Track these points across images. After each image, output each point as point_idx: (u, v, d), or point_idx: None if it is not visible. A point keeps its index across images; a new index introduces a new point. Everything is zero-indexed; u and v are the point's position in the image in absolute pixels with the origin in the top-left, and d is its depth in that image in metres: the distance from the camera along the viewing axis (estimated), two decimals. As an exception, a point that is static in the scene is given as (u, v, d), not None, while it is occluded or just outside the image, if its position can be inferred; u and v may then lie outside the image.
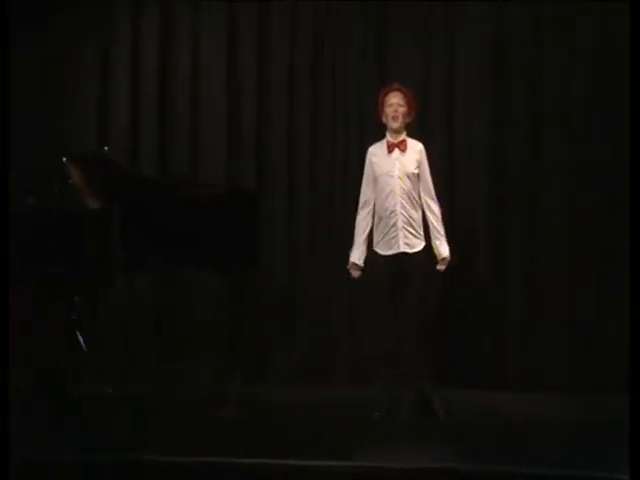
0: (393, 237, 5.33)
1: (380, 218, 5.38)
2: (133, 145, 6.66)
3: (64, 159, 5.59)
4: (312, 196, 6.59)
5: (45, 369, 5.63)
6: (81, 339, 5.63)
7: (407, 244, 5.33)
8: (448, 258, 5.39)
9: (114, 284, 5.57)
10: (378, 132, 5.56)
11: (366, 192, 5.45)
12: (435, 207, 5.40)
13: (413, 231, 5.34)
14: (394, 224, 5.32)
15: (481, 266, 6.39)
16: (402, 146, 5.38)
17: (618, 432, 4.09)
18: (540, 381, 6.26)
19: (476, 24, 6.47)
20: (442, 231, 5.39)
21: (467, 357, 6.29)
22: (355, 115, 6.56)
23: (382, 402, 5.31)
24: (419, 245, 5.36)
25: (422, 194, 5.39)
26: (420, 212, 5.39)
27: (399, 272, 5.30)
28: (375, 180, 5.40)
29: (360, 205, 5.46)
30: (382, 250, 5.38)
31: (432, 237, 5.38)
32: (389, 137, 5.43)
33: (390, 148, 5.39)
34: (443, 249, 5.38)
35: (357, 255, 5.43)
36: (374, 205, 5.41)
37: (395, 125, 5.38)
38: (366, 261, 5.43)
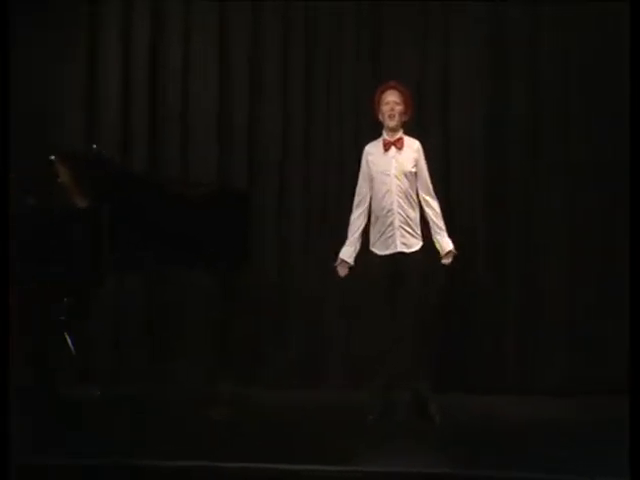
0: (390, 236, 5.27)
1: (377, 217, 5.33)
2: (123, 143, 6.58)
3: (52, 157, 5.50)
4: (305, 194, 6.53)
5: (34, 370, 5.52)
6: (69, 340, 5.52)
7: (404, 244, 5.28)
8: (453, 251, 5.34)
9: (104, 284, 5.44)
10: (375, 131, 5.51)
11: (362, 190, 5.40)
12: (434, 203, 5.36)
13: (410, 230, 5.29)
14: (391, 223, 5.27)
15: (480, 266, 6.33)
16: (399, 144, 5.34)
17: (618, 435, 4.07)
18: (539, 383, 6.21)
19: (473, 23, 6.42)
20: (442, 226, 5.35)
21: (465, 358, 6.24)
22: (349, 114, 6.49)
23: (376, 405, 5.26)
24: (416, 245, 5.31)
25: (420, 192, 5.34)
26: (418, 211, 5.35)
27: (396, 272, 5.25)
28: (371, 179, 5.36)
29: (355, 203, 5.42)
30: (379, 250, 5.33)
31: (433, 233, 5.34)
32: (385, 135, 5.39)
33: (386, 146, 5.35)
34: (445, 242, 5.34)
35: (347, 252, 5.38)
36: (370, 204, 5.36)
37: (391, 123, 5.34)
38: (357, 260, 5.39)
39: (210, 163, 6.54)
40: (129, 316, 6.55)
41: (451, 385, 5.92)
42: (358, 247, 5.38)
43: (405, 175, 5.28)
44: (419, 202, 5.34)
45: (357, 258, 5.38)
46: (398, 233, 5.25)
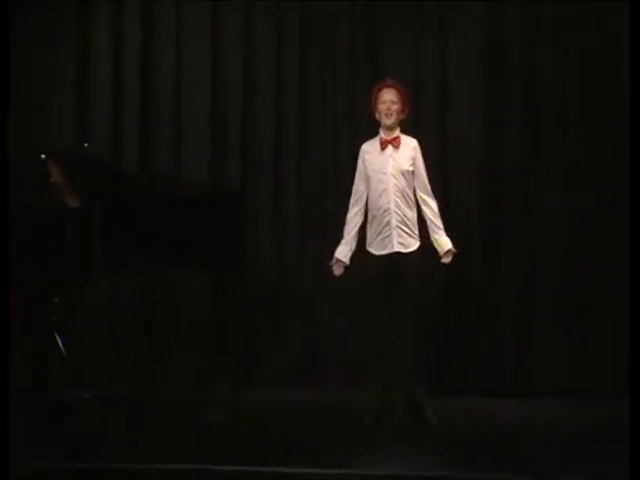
0: (387, 236, 5.22)
1: (373, 217, 5.28)
2: (116, 143, 6.55)
3: (43, 156, 5.46)
4: (300, 194, 6.50)
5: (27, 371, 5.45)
6: (60, 341, 5.45)
7: (401, 244, 5.22)
8: (452, 250, 5.29)
9: (96, 284, 5.48)
10: (371, 130, 5.46)
11: (358, 189, 5.35)
12: (432, 202, 5.31)
13: (408, 230, 5.23)
14: (387, 223, 5.21)
15: (479, 267, 6.31)
16: (395, 143, 5.29)
17: (617, 436, 4.10)
18: (538, 384, 6.18)
19: (470, 22, 6.41)
20: (440, 225, 5.30)
21: (462, 359, 6.21)
22: (344, 113, 6.47)
23: (373, 406, 5.22)
24: (414, 245, 5.26)
25: (417, 191, 5.30)
26: (415, 211, 5.30)
27: (393, 272, 5.20)
28: (368, 178, 5.31)
29: (351, 202, 5.37)
30: (375, 250, 5.28)
31: (431, 232, 5.29)
32: (382, 134, 5.34)
33: (383, 145, 5.30)
34: (444, 241, 5.28)
35: (343, 251, 5.33)
36: (366, 203, 5.31)
37: (388, 122, 5.29)
38: (353, 260, 5.34)
39: (205, 163, 6.50)
40: (121, 317, 6.49)
41: (449, 387, 5.89)
42: (354, 246, 5.33)
43: (402, 174, 5.23)
44: (416, 201, 5.29)
45: (353, 258, 5.34)
46: (395, 233, 5.20)
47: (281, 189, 6.50)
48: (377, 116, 5.34)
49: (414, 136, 5.42)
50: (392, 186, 5.21)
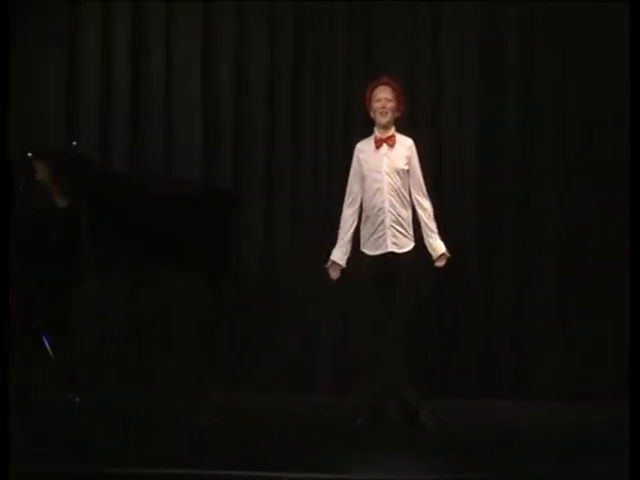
0: (381, 236, 5.17)
1: (367, 216, 5.24)
2: (106, 143, 6.45)
3: (29, 154, 5.44)
4: (295, 194, 6.41)
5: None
6: (47, 344, 5.35)
7: (395, 244, 5.17)
8: (446, 254, 5.24)
9: (84, 285, 5.46)
10: (366, 129, 5.44)
11: (353, 189, 5.30)
12: (426, 204, 5.26)
13: (402, 230, 5.18)
14: (382, 222, 5.16)
15: (474, 268, 6.23)
16: (390, 142, 5.24)
17: (617, 437, 4.10)
18: (534, 386, 6.13)
19: (466, 22, 6.35)
20: (434, 228, 5.25)
21: (458, 361, 6.13)
22: (339, 112, 6.38)
23: (365, 409, 5.18)
24: (408, 245, 5.21)
25: (412, 191, 5.25)
26: (410, 211, 5.25)
27: (387, 273, 5.14)
28: (363, 177, 5.26)
29: (346, 203, 5.31)
30: (369, 250, 5.23)
31: (425, 235, 5.25)
32: (377, 133, 5.30)
33: (378, 144, 5.25)
34: (438, 245, 5.24)
35: (339, 254, 5.28)
36: (361, 203, 5.26)
37: (383, 120, 5.25)
38: (349, 262, 5.29)
39: (197, 163, 6.40)
40: (112, 318, 6.39)
41: (444, 389, 5.87)
42: (350, 249, 5.29)
43: (397, 173, 5.18)
44: (411, 202, 5.24)
45: (348, 259, 5.28)
46: (389, 233, 5.15)
47: (275, 189, 6.43)
48: (372, 114, 5.30)
49: (409, 136, 5.36)
50: (387, 185, 5.15)
